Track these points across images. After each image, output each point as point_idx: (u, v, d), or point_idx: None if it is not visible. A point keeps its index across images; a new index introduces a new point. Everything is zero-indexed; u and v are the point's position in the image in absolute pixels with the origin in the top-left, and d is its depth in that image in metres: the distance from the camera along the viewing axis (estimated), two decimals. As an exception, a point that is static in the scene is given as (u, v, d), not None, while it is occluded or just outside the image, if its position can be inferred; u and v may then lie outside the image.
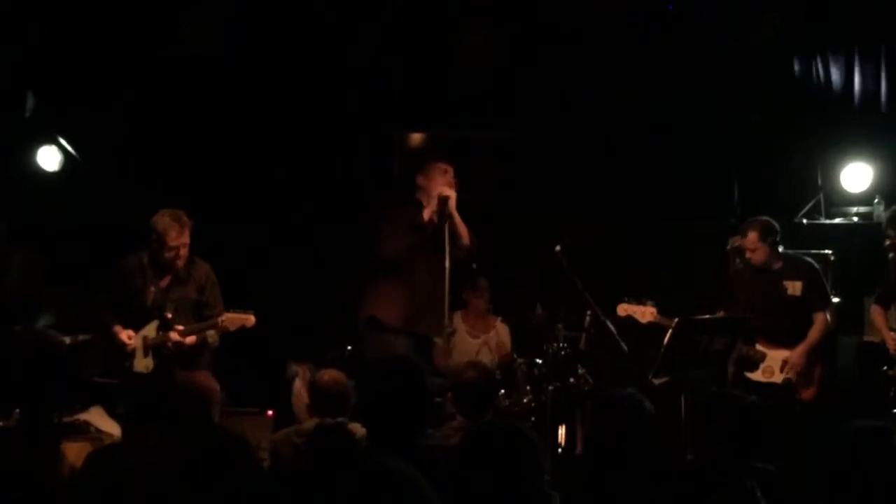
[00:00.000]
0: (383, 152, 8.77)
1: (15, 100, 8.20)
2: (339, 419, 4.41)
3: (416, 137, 8.99)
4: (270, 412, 6.87)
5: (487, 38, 8.19)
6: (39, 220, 8.24)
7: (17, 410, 5.15)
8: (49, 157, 8.33)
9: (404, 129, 8.88)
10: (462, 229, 6.31)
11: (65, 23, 8.00)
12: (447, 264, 6.08)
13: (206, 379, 5.00)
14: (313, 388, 4.57)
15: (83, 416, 6.04)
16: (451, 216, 6.22)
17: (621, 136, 8.32)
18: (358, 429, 4.24)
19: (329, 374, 4.65)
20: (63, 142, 8.31)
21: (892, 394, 6.50)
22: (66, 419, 5.55)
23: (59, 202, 8.32)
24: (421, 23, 8.20)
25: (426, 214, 6.29)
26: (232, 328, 6.19)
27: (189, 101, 8.31)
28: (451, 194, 6.24)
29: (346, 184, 8.51)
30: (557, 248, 6.46)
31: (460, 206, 6.29)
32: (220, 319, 6.19)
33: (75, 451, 5.93)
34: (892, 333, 6.58)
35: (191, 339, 6.19)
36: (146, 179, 8.26)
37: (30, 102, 8.18)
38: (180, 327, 6.18)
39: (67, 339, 6.57)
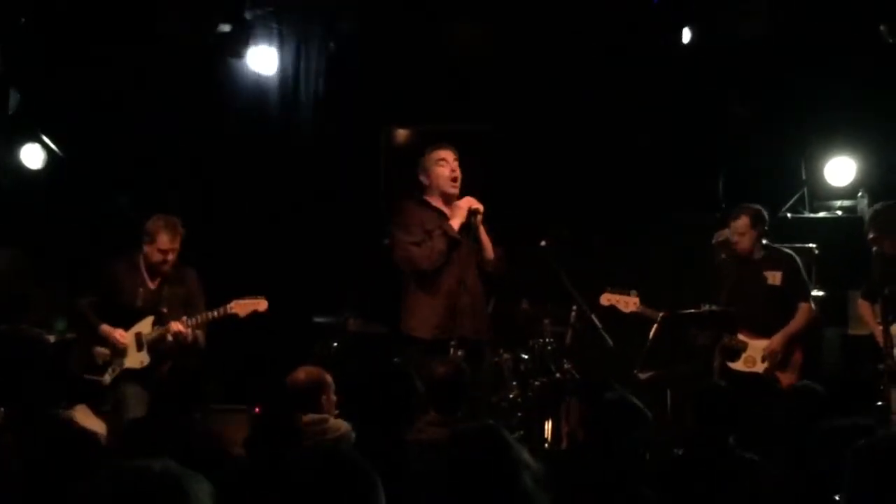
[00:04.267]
0: (369, 146, 8.77)
1: (-2, 97, 8.17)
2: (316, 416, 4.41)
3: (402, 132, 8.98)
4: (257, 409, 6.86)
5: (472, 32, 8.19)
6: (23, 218, 8.21)
7: (2, 409, 5.15)
8: (33, 155, 8.31)
9: (390, 123, 8.88)
10: (487, 244, 6.16)
11: (49, 19, 7.97)
12: (475, 273, 6.06)
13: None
14: (288, 385, 4.56)
15: (66, 415, 6.03)
16: (477, 229, 6.10)
17: (606, 130, 8.32)
18: (342, 425, 4.24)
19: (303, 372, 4.64)
20: (47, 139, 8.29)
21: (881, 388, 6.52)
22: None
23: (42, 200, 8.30)
24: (405, 16, 8.20)
25: (455, 224, 6.10)
26: (243, 314, 6.27)
27: (174, 98, 8.29)
28: (481, 207, 6.10)
29: (331, 178, 8.50)
30: (542, 242, 6.47)
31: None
32: (229, 306, 6.27)
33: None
34: (879, 328, 6.60)
35: (189, 333, 6.25)
36: (131, 177, 8.26)
37: (13, 100, 8.15)
38: (184, 318, 6.25)
39: (52, 338, 6.59)
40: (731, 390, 4.74)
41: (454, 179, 6.20)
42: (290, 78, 8.48)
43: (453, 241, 6.07)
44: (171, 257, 6.34)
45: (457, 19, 8.24)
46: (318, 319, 7.54)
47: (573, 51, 8.13)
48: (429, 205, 6.23)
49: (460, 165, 6.28)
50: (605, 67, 8.17)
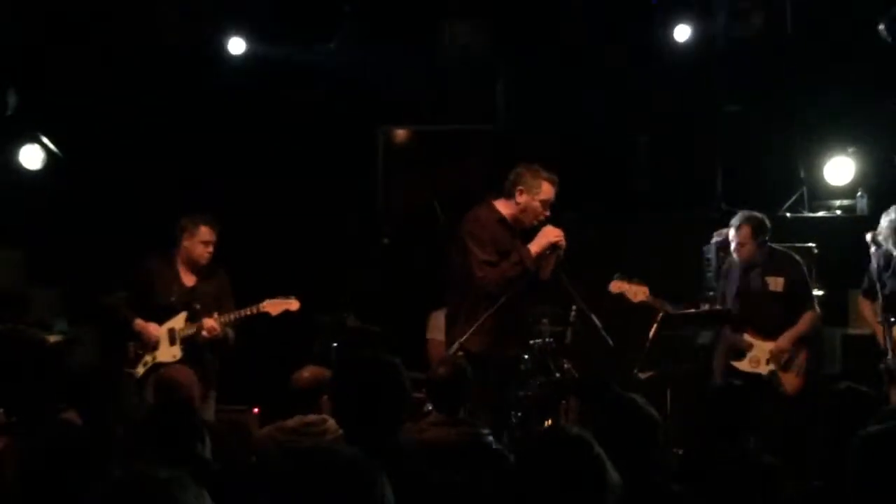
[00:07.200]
0: (368, 147, 8.76)
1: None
2: (316, 416, 4.41)
3: (401, 133, 8.98)
4: (256, 409, 6.87)
5: (471, 32, 8.19)
6: (22, 219, 8.21)
7: (1, 410, 5.15)
8: (32, 156, 8.30)
9: (388, 124, 8.87)
10: (549, 270, 6.02)
11: (47, 19, 7.97)
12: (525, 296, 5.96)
13: (184, 373, 5.08)
14: (291, 384, 4.57)
15: (66, 416, 6.02)
16: (547, 259, 5.93)
17: (604, 129, 8.32)
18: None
19: (308, 371, 4.64)
20: (46, 140, 8.28)
21: (881, 387, 6.50)
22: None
23: (42, 201, 8.29)
24: (405, 17, 8.20)
25: (533, 250, 5.89)
26: (274, 312, 6.38)
27: (173, 98, 8.29)
28: (564, 245, 5.91)
29: (330, 179, 8.49)
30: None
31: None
32: (261, 305, 6.37)
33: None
34: (880, 326, 6.57)
35: (221, 330, 6.35)
36: (129, 177, 8.26)
37: (12, 100, 8.14)
38: (216, 315, 6.36)
39: (51, 338, 6.58)
40: (746, 390, 4.69)
41: (540, 221, 6.02)
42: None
43: (526, 273, 5.91)
44: (212, 249, 6.49)
45: (456, 18, 8.23)
46: (317, 318, 7.52)
47: (571, 48, 8.13)
48: (505, 222, 5.97)
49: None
50: (604, 65, 8.16)
